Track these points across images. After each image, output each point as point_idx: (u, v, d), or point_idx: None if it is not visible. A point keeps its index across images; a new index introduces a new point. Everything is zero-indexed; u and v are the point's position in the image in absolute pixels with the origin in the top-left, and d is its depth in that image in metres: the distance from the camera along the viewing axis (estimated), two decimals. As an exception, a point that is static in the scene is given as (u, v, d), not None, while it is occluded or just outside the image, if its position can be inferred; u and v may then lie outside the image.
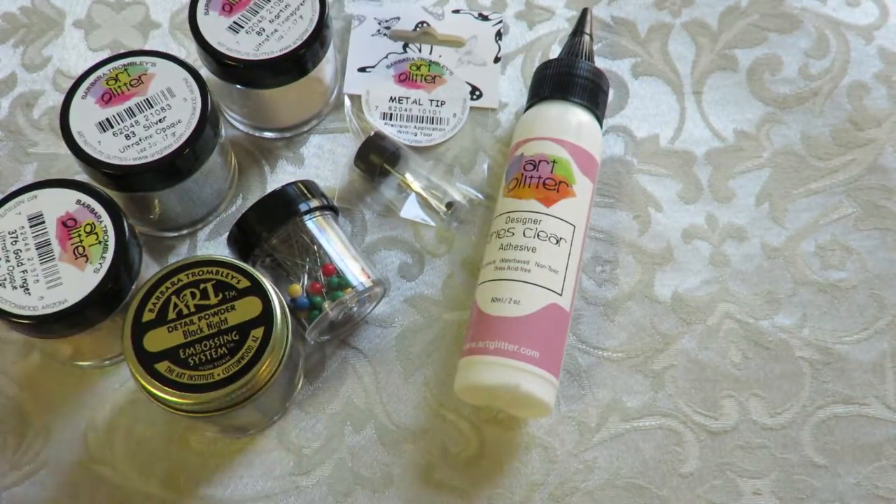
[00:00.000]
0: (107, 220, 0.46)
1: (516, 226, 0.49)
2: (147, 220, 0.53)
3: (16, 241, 0.45)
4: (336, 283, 0.49)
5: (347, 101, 0.57)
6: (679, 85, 0.58)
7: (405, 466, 0.50)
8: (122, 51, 0.56)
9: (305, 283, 0.49)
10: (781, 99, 0.58)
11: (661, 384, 0.51)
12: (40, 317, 0.44)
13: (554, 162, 0.50)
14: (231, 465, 0.50)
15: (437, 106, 0.57)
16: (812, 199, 0.55)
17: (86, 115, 0.48)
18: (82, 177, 0.51)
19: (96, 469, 0.49)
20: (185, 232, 0.54)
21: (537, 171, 0.50)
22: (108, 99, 0.49)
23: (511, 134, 0.56)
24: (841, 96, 0.58)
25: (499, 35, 0.59)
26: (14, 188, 0.50)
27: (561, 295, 0.48)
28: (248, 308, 0.44)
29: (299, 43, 0.51)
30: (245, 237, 0.49)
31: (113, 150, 0.48)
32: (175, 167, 0.48)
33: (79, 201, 0.46)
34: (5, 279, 0.45)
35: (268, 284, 0.45)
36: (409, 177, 0.55)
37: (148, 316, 0.44)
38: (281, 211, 0.49)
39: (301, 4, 0.52)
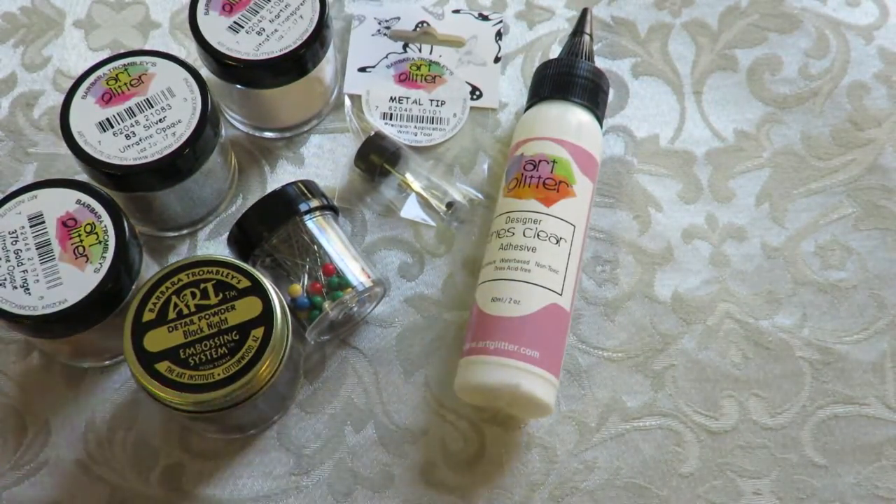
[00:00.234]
0: (107, 220, 0.46)
1: (516, 226, 0.49)
2: (147, 220, 0.53)
3: (16, 241, 0.45)
4: (336, 283, 0.49)
5: (347, 101, 0.57)
6: (679, 85, 0.58)
7: (405, 466, 0.50)
8: (122, 51, 0.56)
9: (305, 283, 0.49)
10: (781, 99, 0.58)
11: (661, 384, 0.51)
12: (40, 317, 0.44)
13: (554, 162, 0.50)
14: (231, 465, 0.50)
15: (438, 106, 0.57)
16: (812, 199, 0.55)
17: (86, 115, 0.48)
18: (82, 177, 0.51)
19: (96, 469, 0.49)
20: (185, 232, 0.54)
21: (537, 170, 0.50)
22: (108, 99, 0.49)
23: (511, 134, 0.56)
24: (841, 96, 0.58)
25: (499, 35, 0.59)
26: (14, 188, 0.50)
27: (561, 295, 0.48)
28: (248, 308, 0.44)
29: (299, 43, 0.51)
30: (245, 237, 0.49)
31: (113, 150, 0.48)
32: (175, 167, 0.48)
33: (79, 201, 0.46)
34: (5, 279, 0.45)
35: (268, 284, 0.45)
36: (409, 177, 0.55)
37: (148, 316, 0.44)
38: (281, 211, 0.49)
39: (301, 4, 0.52)
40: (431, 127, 0.57)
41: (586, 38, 0.54)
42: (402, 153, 0.55)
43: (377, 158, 0.54)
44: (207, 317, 0.44)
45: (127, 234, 0.46)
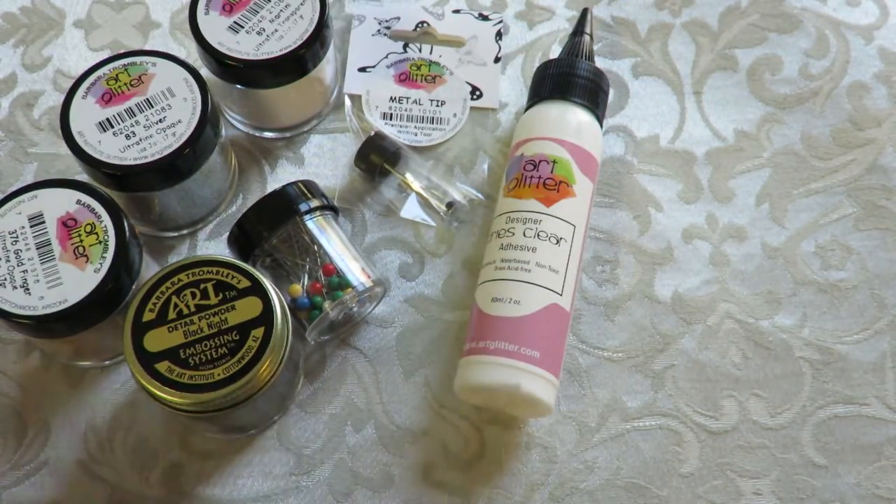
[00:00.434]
0: (107, 220, 0.46)
1: (516, 226, 0.49)
2: (147, 220, 0.53)
3: (16, 241, 0.45)
4: (336, 282, 0.49)
5: (348, 101, 0.57)
6: (679, 85, 0.58)
7: (405, 466, 0.50)
8: (122, 51, 0.56)
9: (306, 282, 0.49)
10: (781, 99, 0.58)
11: (661, 384, 0.51)
12: (40, 317, 0.44)
13: (554, 162, 0.50)
14: (231, 465, 0.50)
15: (438, 106, 0.57)
16: (812, 199, 0.55)
17: (86, 115, 0.48)
18: (82, 177, 0.51)
19: (96, 469, 0.49)
20: (185, 232, 0.54)
21: (537, 171, 0.50)
22: (108, 99, 0.49)
23: (511, 134, 0.56)
24: (841, 96, 0.58)
25: (499, 35, 0.59)
26: (14, 188, 0.50)
27: (561, 295, 0.48)
28: (248, 308, 0.44)
29: (299, 43, 0.51)
30: (245, 237, 0.49)
31: (113, 150, 0.48)
32: (175, 167, 0.48)
33: (79, 201, 0.46)
34: (5, 279, 0.45)
35: (268, 284, 0.45)
36: (409, 177, 0.55)
37: (148, 316, 0.44)
38: (281, 211, 0.49)
39: (301, 4, 0.52)
40: (431, 127, 0.57)
41: (586, 38, 0.54)
42: (403, 153, 0.55)
43: (377, 158, 0.54)
44: (207, 317, 0.44)
45: (127, 234, 0.46)
